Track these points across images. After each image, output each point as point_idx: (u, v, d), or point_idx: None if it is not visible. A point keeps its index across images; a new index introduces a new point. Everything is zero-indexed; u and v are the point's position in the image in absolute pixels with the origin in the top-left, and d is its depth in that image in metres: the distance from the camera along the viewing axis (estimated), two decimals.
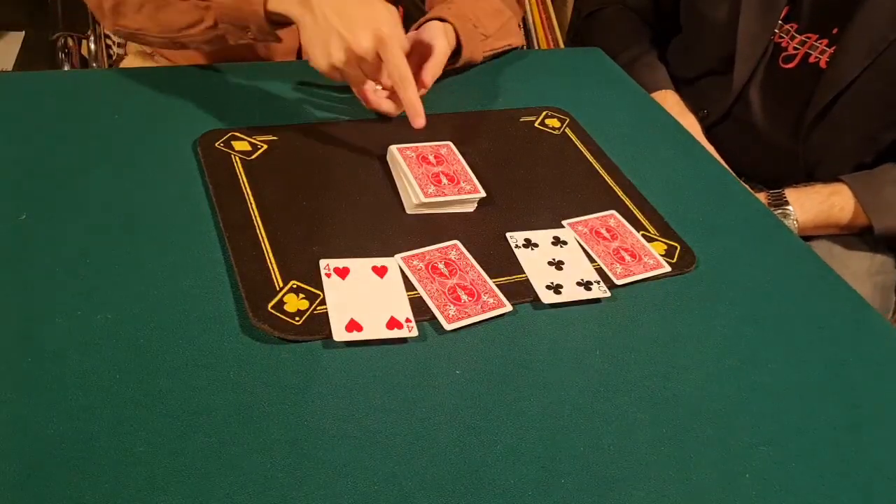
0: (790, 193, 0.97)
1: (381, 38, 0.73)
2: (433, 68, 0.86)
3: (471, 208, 0.76)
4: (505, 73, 1.02)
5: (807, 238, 0.86)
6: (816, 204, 0.97)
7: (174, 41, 0.85)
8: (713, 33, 1.05)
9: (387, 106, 0.85)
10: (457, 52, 0.93)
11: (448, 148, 0.80)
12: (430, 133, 0.87)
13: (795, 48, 0.97)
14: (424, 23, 0.90)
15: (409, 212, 0.75)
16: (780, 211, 0.96)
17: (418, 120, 0.77)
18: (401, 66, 0.75)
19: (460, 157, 0.79)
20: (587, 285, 0.69)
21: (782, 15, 0.99)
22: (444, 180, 0.76)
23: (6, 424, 0.51)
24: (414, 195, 0.73)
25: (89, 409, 0.53)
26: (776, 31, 0.99)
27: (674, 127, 0.98)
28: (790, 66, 0.98)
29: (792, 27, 0.97)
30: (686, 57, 1.13)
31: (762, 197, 0.96)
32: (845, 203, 0.97)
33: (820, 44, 0.95)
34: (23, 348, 0.56)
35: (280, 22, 0.79)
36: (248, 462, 0.51)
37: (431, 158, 0.78)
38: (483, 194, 0.76)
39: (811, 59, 0.96)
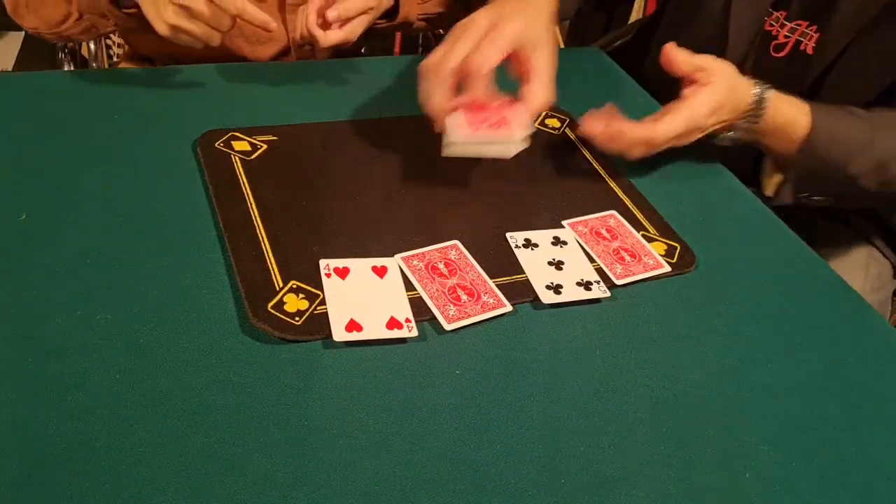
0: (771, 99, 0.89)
1: None
2: (348, 4, 0.89)
3: (511, 152, 0.74)
4: (505, 73, 1.01)
5: (807, 239, 0.85)
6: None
7: (61, 35, 0.91)
8: (703, 20, 1.04)
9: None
10: (394, 10, 0.98)
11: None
12: (430, 133, 0.88)
13: (786, 36, 0.96)
14: None
15: (444, 153, 0.73)
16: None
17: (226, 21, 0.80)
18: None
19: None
20: (587, 285, 0.69)
21: (772, 2, 0.98)
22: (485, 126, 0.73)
23: (6, 424, 0.51)
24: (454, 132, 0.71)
25: (89, 409, 0.53)
26: (766, 18, 0.98)
27: None
28: (781, 54, 0.98)
29: (782, 14, 0.97)
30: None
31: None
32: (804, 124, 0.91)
33: (810, 30, 0.95)
34: (23, 348, 0.56)
35: (126, 5, 0.84)
36: (248, 462, 0.51)
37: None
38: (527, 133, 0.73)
39: (801, 47, 0.96)
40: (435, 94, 0.73)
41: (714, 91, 0.80)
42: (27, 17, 0.91)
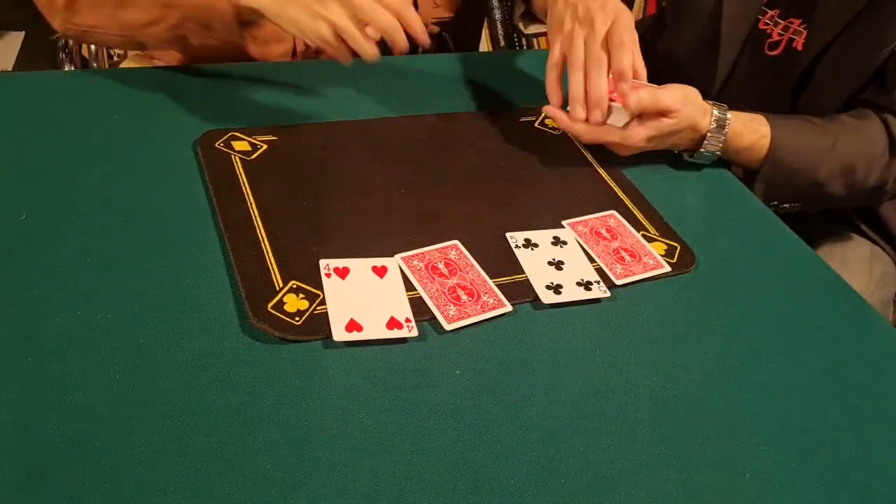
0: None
1: None
2: None
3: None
4: (505, 73, 1.02)
5: (807, 239, 0.85)
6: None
7: (133, 39, 0.84)
8: (696, 18, 1.04)
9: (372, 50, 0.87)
10: None
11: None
12: (430, 133, 0.88)
13: (780, 34, 0.96)
14: None
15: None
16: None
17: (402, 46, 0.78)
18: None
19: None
20: (587, 285, 0.69)
21: (764, 0, 0.99)
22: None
23: (6, 424, 0.51)
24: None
25: (89, 409, 0.53)
26: (759, 16, 0.99)
27: None
28: (775, 52, 0.98)
29: (775, 13, 0.97)
30: (669, 44, 1.12)
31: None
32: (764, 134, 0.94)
33: (801, 28, 0.95)
34: (23, 348, 0.56)
35: (248, 20, 0.80)
36: (248, 462, 0.51)
37: None
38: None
39: (794, 45, 0.96)
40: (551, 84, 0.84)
41: (665, 90, 0.83)
42: (86, 13, 0.83)
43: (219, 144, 0.78)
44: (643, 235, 0.77)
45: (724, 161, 0.93)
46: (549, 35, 0.86)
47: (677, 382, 0.63)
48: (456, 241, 0.71)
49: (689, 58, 1.07)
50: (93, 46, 1.24)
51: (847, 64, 0.93)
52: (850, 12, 0.90)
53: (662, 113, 0.82)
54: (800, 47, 0.95)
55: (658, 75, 0.86)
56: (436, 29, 1.16)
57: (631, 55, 0.80)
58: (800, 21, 0.95)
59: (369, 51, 0.77)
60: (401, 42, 0.77)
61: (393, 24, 0.76)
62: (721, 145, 0.87)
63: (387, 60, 1.06)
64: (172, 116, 0.82)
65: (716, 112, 0.86)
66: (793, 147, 0.89)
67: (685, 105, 0.83)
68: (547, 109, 0.85)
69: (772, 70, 0.99)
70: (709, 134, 0.86)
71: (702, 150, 0.87)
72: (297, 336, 0.60)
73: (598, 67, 0.80)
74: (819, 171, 0.90)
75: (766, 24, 0.98)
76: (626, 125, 0.83)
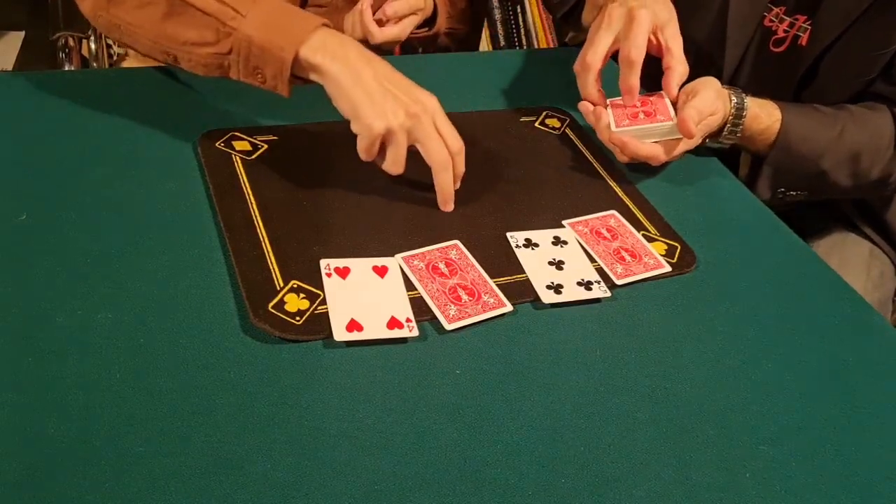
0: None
1: (435, 105, 0.72)
2: (401, 3, 0.97)
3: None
4: (505, 73, 1.02)
5: (806, 239, 0.85)
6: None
7: (166, 51, 0.77)
8: (703, 15, 1.04)
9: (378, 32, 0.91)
10: (432, 19, 1.05)
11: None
12: None
13: (785, 31, 0.97)
14: None
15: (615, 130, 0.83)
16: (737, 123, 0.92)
17: (448, 205, 0.75)
18: (450, 139, 0.73)
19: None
20: (587, 285, 0.69)
21: None
22: (642, 115, 0.84)
23: (6, 424, 0.51)
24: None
25: (89, 409, 0.53)
26: (765, 13, 0.99)
27: None
28: (780, 49, 0.98)
29: (781, 10, 0.98)
30: None
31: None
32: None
33: (807, 25, 0.95)
34: (23, 348, 0.56)
35: (301, 77, 0.73)
36: (248, 462, 0.51)
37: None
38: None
39: (799, 42, 0.97)
40: (586, 84, 0.84)
41: (703, 99, 0.84)
42: (129, 9, 0.76)
43: (219, 144, 0.78)
44: (643, 235, 0.77)
45: (730, 156, 0.94)
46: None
47: (677, 382, 0.63)
48: (456, 241, 0.71)
49: (696, 56, 1.07)
50: (93, 46, 1.24)
51: (852, 61, 0.94)
52: (855, 10, 0.91)
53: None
54: (804, 43, 0.96)
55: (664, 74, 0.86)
56: (447, 41, 1.19)
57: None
58: (805, 18, 0.96)
59: (394, 172, 0.72)
60: (445, 185, 0.74)
61: (444, 159, 0.72)
62: (740, 131, 0.89)
63: (386, 61, 1.06)
64: (172, 116, 0.82)
65: (734, 98, 0.88)
66: (802, 133, 0.91)
67: (718, 98, 0.85)
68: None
69: (777, 66, 1.00)
70: (730, 118, 0.88)
71: (724, 134, 0.89)
72: (297, 336, 0.60)
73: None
74: (825, 159, 0.91)
75: (772, 20, 0.98)
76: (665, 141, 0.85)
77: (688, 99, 0.84)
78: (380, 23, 0.99)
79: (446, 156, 0.72)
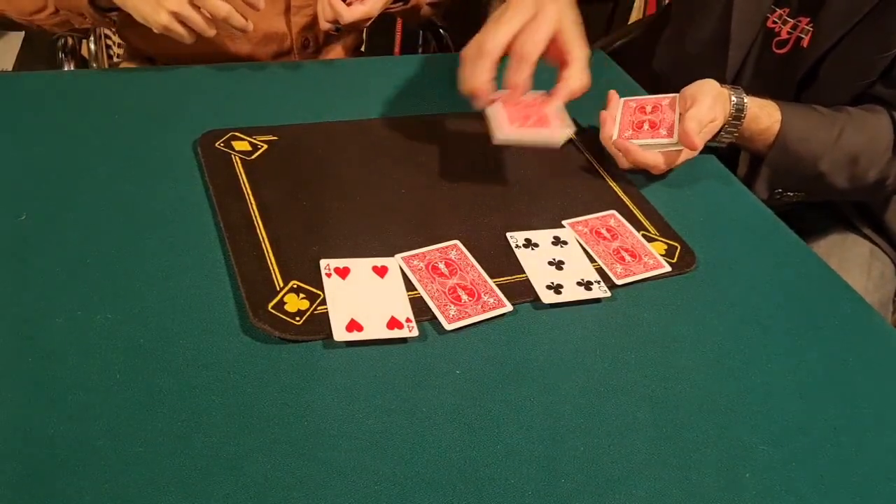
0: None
1: None
2: None
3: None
4: (505, 73, 1.01)
5: (806, 239, 0.85)
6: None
7: (31, 24, 0.95)
8: (707, 17, 1.04)
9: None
10: None
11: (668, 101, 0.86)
12: (430, 133, 0.88)
13: (788, 33, 0.97)
14: None
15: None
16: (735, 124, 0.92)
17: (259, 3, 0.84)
18: None
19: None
20: (587, 285, 0.69)
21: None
22: (647, 126, 0.84)
23: (6, 424, 0.51)
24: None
25: (89, 409, 0.53)
26: (768, 15, 0.99)
27: None
28: (783, 51, 0.99)
29: (784, 11, 0.98)
30: (678, 44, 1.13)
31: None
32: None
33: (809, 27, 0.96)
34: (23, 348, 0.56)
35: (108, 7, 0.88)
36: (248, 462, 0.51)
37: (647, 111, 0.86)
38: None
39: (801, 43, 0.97)
40: (479, 72, 0.73)
41: (701, 108, 0.84)
42: None
43: (219, 144, 0.78)
44: (643, 235, 0.77)
45: (729, 157, 0.94)
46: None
47: (677, 382, 0.63)
48: (456, 241, 0.71)
49: (699, 58, 1.08)
50: (92, 46, 1.24)
51: (852, 64, 0.94)
52: (857, 13, 0.91)
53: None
54: (806, 45, 0.96)
55: (667, 75, 0.86)
56: (430, 11, 1.18)
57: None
58: (808, 20, 0.96)
59: (207, 30, 0.84)
60: (237, 22, 0.84)
61: (224, 8, 0.82)
62: (738, 131, 0.89)
63: (386, 60, 1.06)
64: (172, 116, 0.82)
65: (734, 98, 0.88)
66: (801, 134, 0.91)
67: (716, 103, 0.85)
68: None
69: (779, 68, 1.00)
70: (729, 118, 0.88)
71: (721, 134, 0.89)
72: (297, 336, 0.60)
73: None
74: (823, 161, 0.91)
75: (775, 22, 0.99)
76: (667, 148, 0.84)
77: (686, 105, 0.84)
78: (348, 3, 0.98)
79: (221, 4, 0.82)
